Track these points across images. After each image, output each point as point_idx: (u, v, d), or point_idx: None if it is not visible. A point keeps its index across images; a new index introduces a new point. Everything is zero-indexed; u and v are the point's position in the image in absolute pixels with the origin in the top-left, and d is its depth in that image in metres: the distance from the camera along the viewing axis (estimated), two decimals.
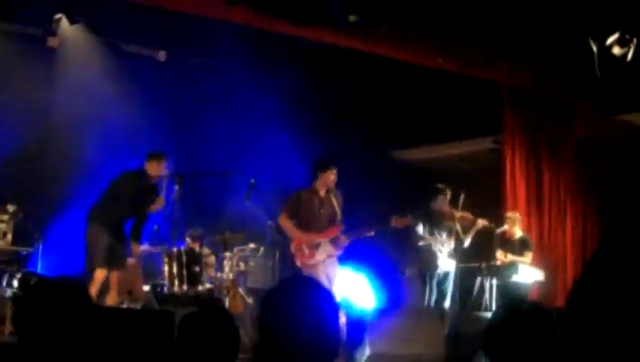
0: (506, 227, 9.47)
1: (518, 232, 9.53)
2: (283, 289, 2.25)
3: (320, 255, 7.77)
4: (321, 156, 8.14)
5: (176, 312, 5.35)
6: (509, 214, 9.63)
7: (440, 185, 8.86)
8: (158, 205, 8.08)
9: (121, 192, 7.81)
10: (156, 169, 8.06)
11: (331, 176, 7.83)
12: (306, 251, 7.74)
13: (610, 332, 1.86)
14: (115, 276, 7.72)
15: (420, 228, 8.73)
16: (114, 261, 7.68)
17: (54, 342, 2.60)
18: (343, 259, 8.28)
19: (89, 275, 7.44)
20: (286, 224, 7.84)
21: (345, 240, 7.89)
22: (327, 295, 2.22)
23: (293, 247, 7.79)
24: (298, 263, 7.77)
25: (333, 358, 2.16)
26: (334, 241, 7.85)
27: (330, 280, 7.66)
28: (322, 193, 7.87)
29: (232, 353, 2.94)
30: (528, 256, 9.42)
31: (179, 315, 4.97)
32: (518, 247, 9.45)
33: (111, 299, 7.64)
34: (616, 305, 1.87)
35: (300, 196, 7.88)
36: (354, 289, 9.58)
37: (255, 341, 2.19)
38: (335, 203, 7.93)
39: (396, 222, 7.99)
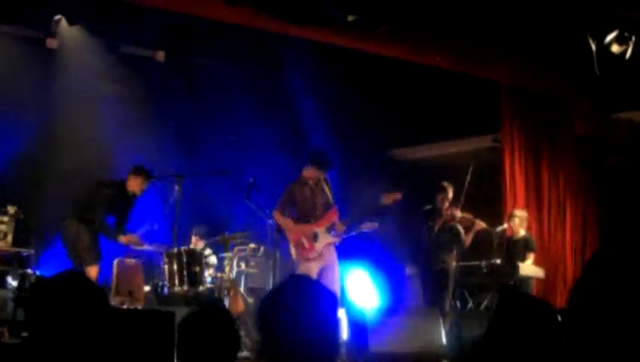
0: (505, 226, 9.40)
1: (521, 231, 9.39)
2: (282, 289, 2.25)
3: (319, 244, 7.73)
4: (323, 152, 8.07)
5: (177, 312, 5.33)
6: (518, 212, 9.47)
7: (442, 183, 8.82)
8: (133, 242, 8.04)
9: (94, 202, 7.79)
10: (135, 185, 8.01)
11: (320, 175, 7.84)
12: (306, 244, 7.70)
13: (612, 331, 1.86)
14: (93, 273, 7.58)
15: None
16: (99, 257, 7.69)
17: (62, 341, 2.59)
18: (346, 257, 8.24)
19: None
20: (280, 220, 7.83)
21: (341, 227, 7.86)
22: (326, 294, 2.22)
23: (292, 242, 7.77)
24: (297, 258, 7.74)
25: (334, 358, 2.17)
26: (331, 229, 7.84)
27: (327, 274, 7.61)
28: (311, 182, 7.87)
29: (232, 353, 2.94)
30: (530, 258, 9.29)
31: (179, 315, 4.97)
32: (521, 247, 9.32)
33: None
34: (617, 304, 1.88)
35: (293, 189, 7.87)
36: (357, 289, 9.52)
37: (258, 342, 2.20)
38: (326, 189, 7.93)
39: (386, 200, 7.85)
